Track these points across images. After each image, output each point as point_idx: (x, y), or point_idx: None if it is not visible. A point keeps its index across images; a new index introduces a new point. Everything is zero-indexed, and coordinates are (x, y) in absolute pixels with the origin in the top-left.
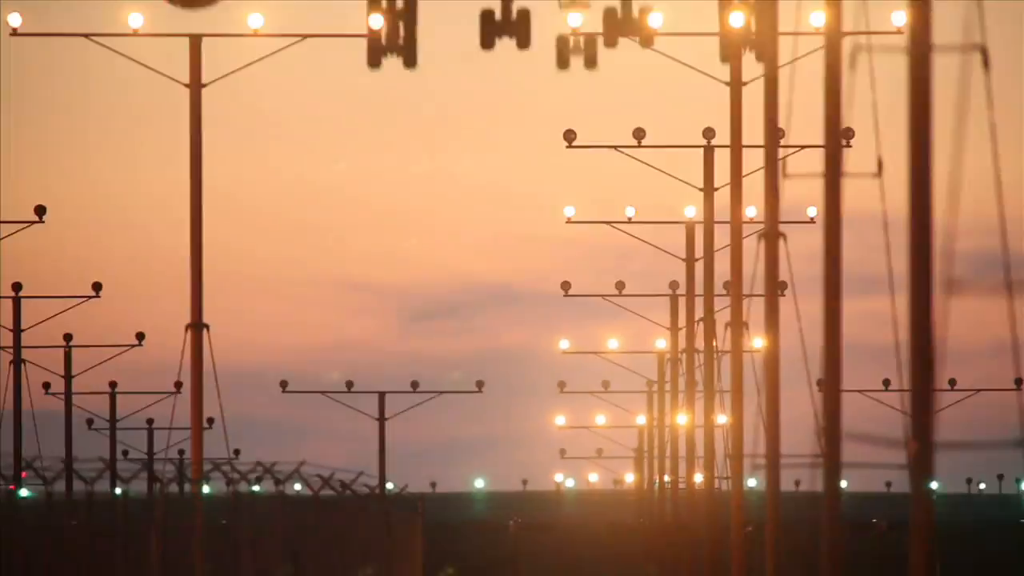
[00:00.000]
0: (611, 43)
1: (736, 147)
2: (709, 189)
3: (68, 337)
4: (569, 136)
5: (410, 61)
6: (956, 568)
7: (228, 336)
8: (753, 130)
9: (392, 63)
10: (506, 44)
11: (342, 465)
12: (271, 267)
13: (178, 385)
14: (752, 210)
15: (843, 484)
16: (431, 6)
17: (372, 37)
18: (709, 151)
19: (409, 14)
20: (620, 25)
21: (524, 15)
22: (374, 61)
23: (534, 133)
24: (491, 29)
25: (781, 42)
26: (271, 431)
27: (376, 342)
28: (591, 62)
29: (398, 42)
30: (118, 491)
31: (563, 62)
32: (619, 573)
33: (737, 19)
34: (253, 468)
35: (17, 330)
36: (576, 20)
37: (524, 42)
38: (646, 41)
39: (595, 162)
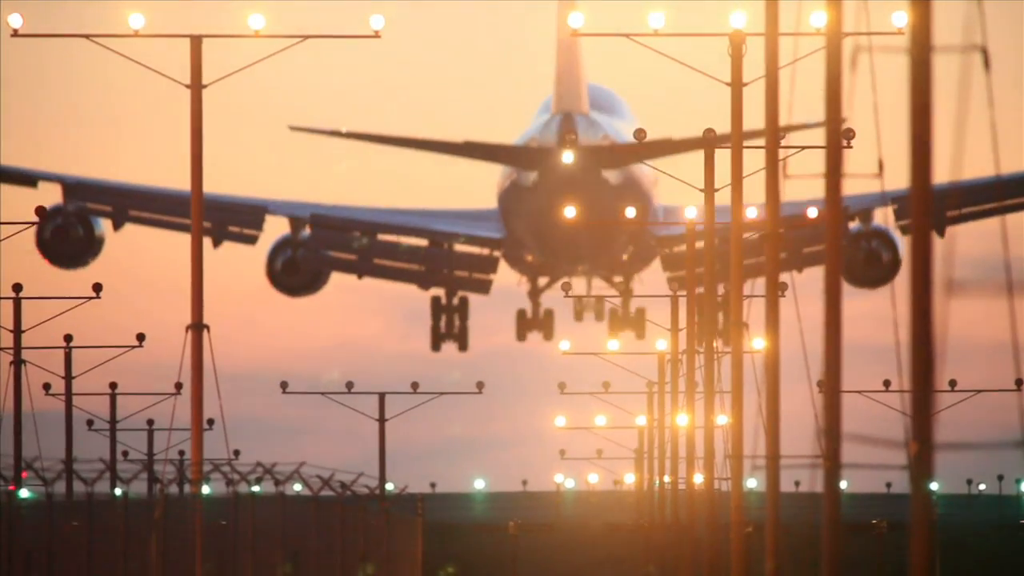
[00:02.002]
0: (614, 335)
1: (736, 147)
2: (710, 189)
3: (68, 338)
4: (569, 137)
5: (463, 346)
6: (956, 568)
7: (228, 337)
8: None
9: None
10: (507, 37)
11: (342, 466)
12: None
13: (178, 386)
14: (753, 210)
15: (843, 485)
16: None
17: (435, 327)
18: (709, 151)
19: (462, 310)
20: (621, 322)
21: (548, 314)
22: (435, 345)
23: None
24: (524, 325)
25: (781, 42)
26: (271, 432)
27: (376, 343)
28: (600, 316)
29: (454, 331)
30: (118, 492)
31: (578, 316)
32: (619, 573)
33: (738, 19)
34: (253, 469)
35: (17, 331)
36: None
37: (548, 335)
38: (640, 334)
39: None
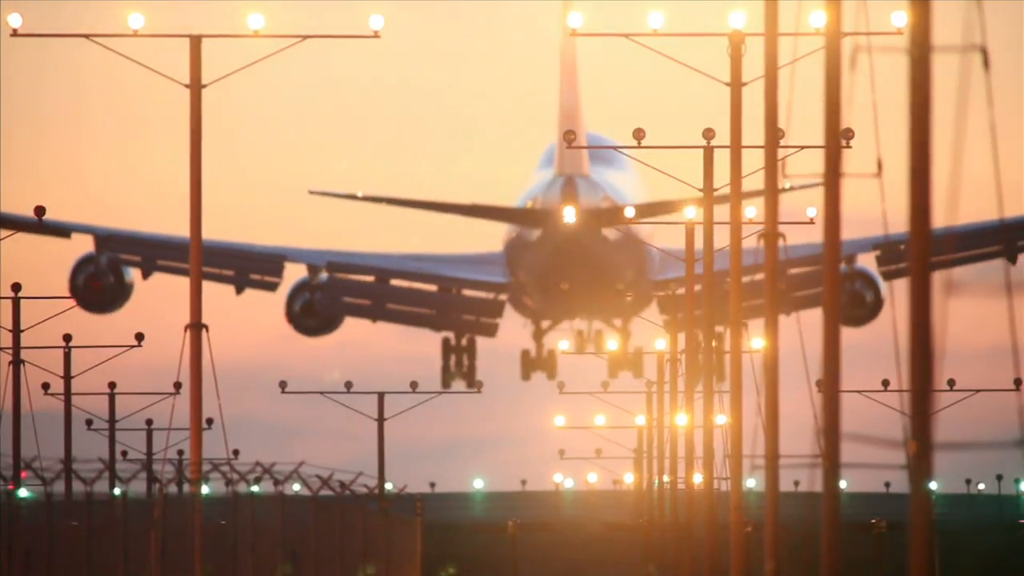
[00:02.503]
0: (613, 374)
1: (736, 147)
2: (709, 189)
3: (67, 337)
4: (568, 137)
5: (471, 383)
6: (956, 568)
7: (227, 336)
8: (753, 130)
9: (390, 59)
10: (506, 37)
11: (341, 465)
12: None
13: (177, 385)
14: (752, 210)
15: (842, 484)
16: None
17: (445, 366)
18: (709, 151)
19: (470, 349)
20: (620, 361)
21: (552, 355)
22: (446, 383)
23: (534, 134)
24: (528, 365)
25: (781, 42)
26: (270, 431)
27: (375, 342)
28: (600, 350)
29: (463, 369)
30: (117, 491)
31: (580, 350)
32: (619, 573)
33: (738, 19)
34: (252, 468)
35: (17, 330)
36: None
37: (552, 375)
38: (638, 373)
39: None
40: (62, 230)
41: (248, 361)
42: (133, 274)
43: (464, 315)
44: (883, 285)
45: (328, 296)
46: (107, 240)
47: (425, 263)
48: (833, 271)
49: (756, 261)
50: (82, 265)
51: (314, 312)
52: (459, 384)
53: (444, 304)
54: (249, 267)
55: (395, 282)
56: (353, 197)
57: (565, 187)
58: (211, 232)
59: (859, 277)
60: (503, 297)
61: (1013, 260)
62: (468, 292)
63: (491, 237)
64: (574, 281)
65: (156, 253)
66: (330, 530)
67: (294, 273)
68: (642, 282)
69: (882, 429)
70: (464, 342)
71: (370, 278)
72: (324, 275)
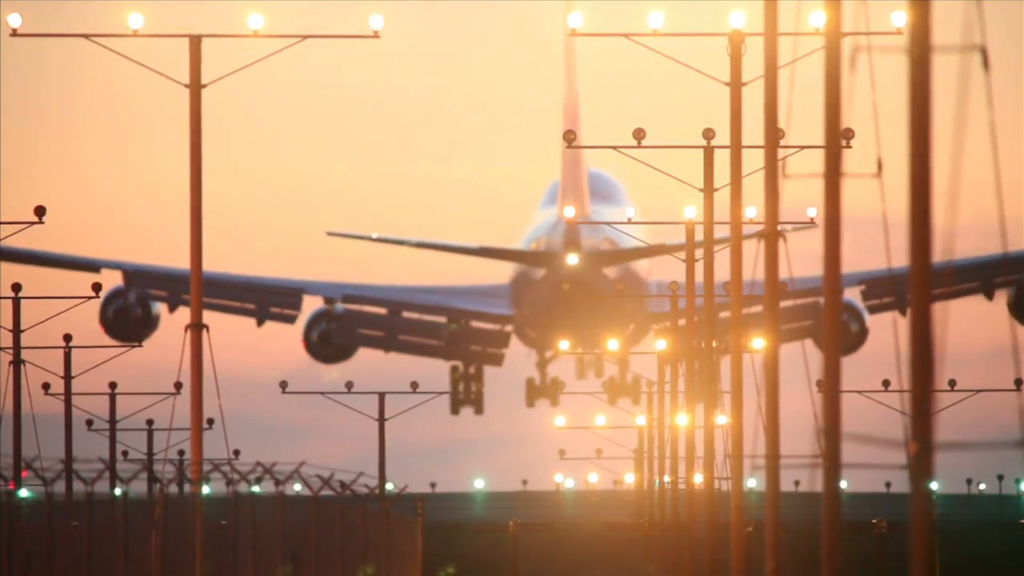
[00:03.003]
0: (612, 401)
1: (736, 147)
2: (709, 189)
3: (68, 338)
4: (569, 137)
5: (479, 410)
6: (956, 568)
7: (228, 336)
8: (753, 130)
9: (389, 61)
10: (505, 38)
11: (341, 465)
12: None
13: (178, 386)
14: (752, 210)
15: (843, 484)
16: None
17: (454, 394)
18: (709, 151)
19: (478, 376)
20: (619, 389)
21: (555, 382)
22: (455, 410)
23: (534, 134)
24: (533, 392)
25: (781, 42)
26: (271, 431)
27: None
28: (600, 373)
29: (470, 396)
30: (118, 492)
31: (580, 375)
32: (619, 573)
33: (737, 19)
34: (253, 468)
35: (17, 330)
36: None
37: (555, 402)
38: (636, 400)
39: (595, 163)
40: (91, 266)
41: (249, 361)
42: (160, 307)
43: (472, 346)
44: (868, 316)
45: (344, 327)
46: (135, 276)
47: (435, 295)
48: (834, 272)
49: (752, 292)
50: (112, 299)
51: (330, 342)
52: (467, 410)
53: (453, 335)
54: (269, 300)
55: (406, 314)
56: (368, 238)
57: (567, 231)
58: (223, 263)
59: (845, 309)
60: (509, 328)
61: (990, 297)
62: (476, 323)
63: (499, 269)
64: (576, 316)
65: (182, 288)
66: (331, 530)
67: (310, 302)
68: (641, 314)
69: (883, 429)
70: (472, 370)
71: (383, 310)
72: (340, 306)
